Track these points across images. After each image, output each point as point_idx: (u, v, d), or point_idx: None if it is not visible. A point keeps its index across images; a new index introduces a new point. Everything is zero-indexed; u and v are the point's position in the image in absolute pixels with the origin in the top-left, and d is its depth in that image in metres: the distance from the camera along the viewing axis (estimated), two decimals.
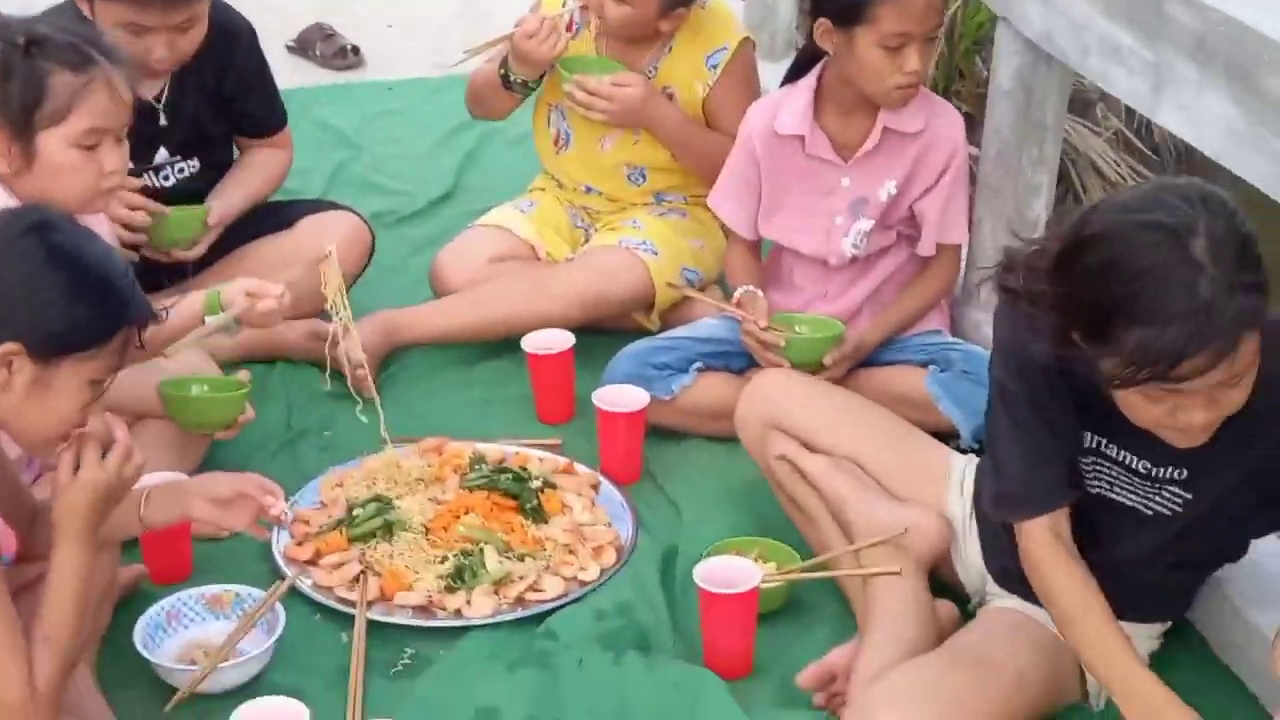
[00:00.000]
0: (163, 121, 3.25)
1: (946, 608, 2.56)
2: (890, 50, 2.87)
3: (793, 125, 3.05)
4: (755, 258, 3.22)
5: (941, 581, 2.59)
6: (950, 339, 3.15)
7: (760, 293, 3.10)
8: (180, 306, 2.75)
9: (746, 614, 2.49)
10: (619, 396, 3.02)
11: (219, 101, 3.34)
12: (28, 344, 2.01)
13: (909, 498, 2.62)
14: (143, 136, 3.19)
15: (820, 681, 2.42)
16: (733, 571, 2.50)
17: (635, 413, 2.99)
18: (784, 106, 3.07)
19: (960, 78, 4.88)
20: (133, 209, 3.15)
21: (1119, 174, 4.80)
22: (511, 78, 3.47)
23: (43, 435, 2.11)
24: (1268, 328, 2.01)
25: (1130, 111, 4.84)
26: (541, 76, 3.49)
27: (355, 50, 5.23)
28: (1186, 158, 4.85)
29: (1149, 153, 5.08)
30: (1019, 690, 2.28)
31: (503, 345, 3.41)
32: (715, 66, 3.41)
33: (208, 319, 2.74)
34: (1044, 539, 2.26)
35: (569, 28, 3.47)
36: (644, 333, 3.39)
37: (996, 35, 3.16)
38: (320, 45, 5.15)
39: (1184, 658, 2.51)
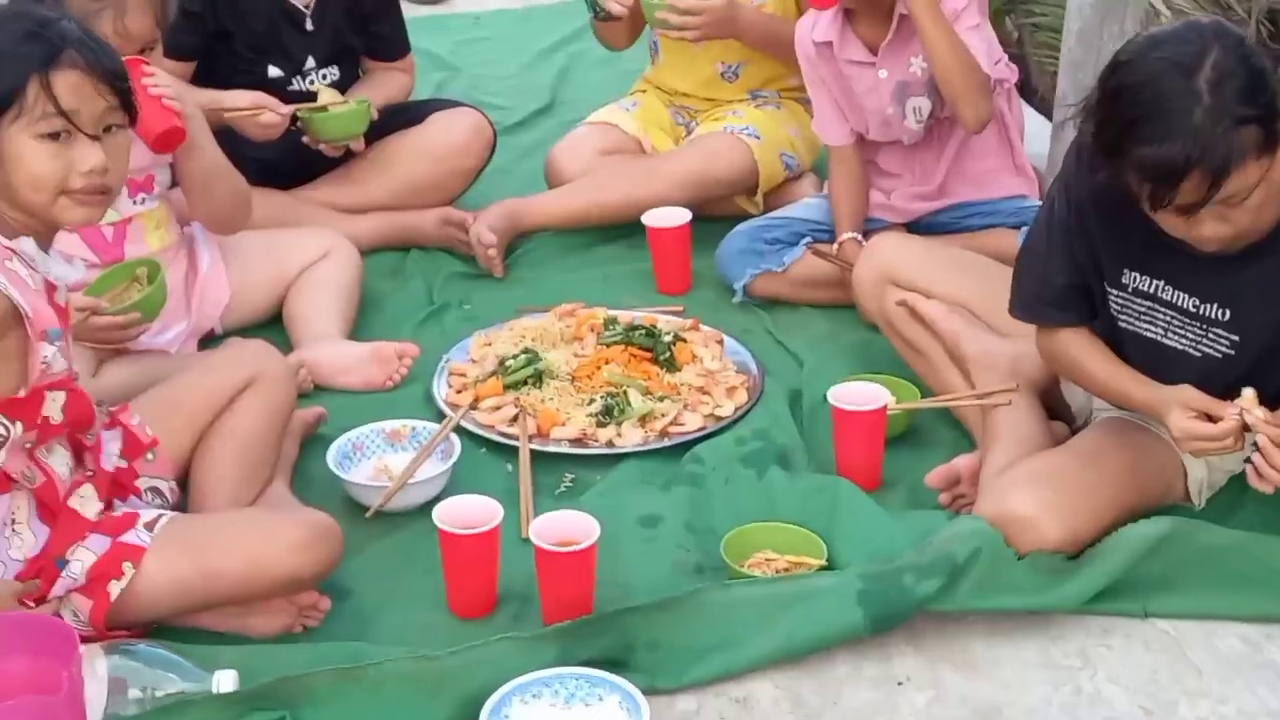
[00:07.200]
0: (309, 27, 3.50)
1: (1059, 426, 2.80)
2: None
3: (823, 32, 3.27)
4: (855, 173, 3.35)
5: (1050, 409, 2.83)
6: (1039, 202, 3.38)
7: (861, 239, 3.28)
8: None
9: (877, 430, 2.74)
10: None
11: (357, 19, 3.60)
12: None
13: (1016, 334, 2.87)
14: (294, 42, 3.48)
15: (946, 481, 2.68)
16: (863, 394, 2.76)
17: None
18: (821, 15, 3.27)
19: None
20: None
21: None
22: (598, 13, 3.70)
23: (39, 200, 2.18)
24: None
25: None
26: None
27: None
28: None
29: None
30: (1133, 480, 2.52)
31: (617, 229, 3.68)
32: None
33: None
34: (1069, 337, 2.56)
35: None
36: (748, 217, 3.64)
37: None
38: None
39: None
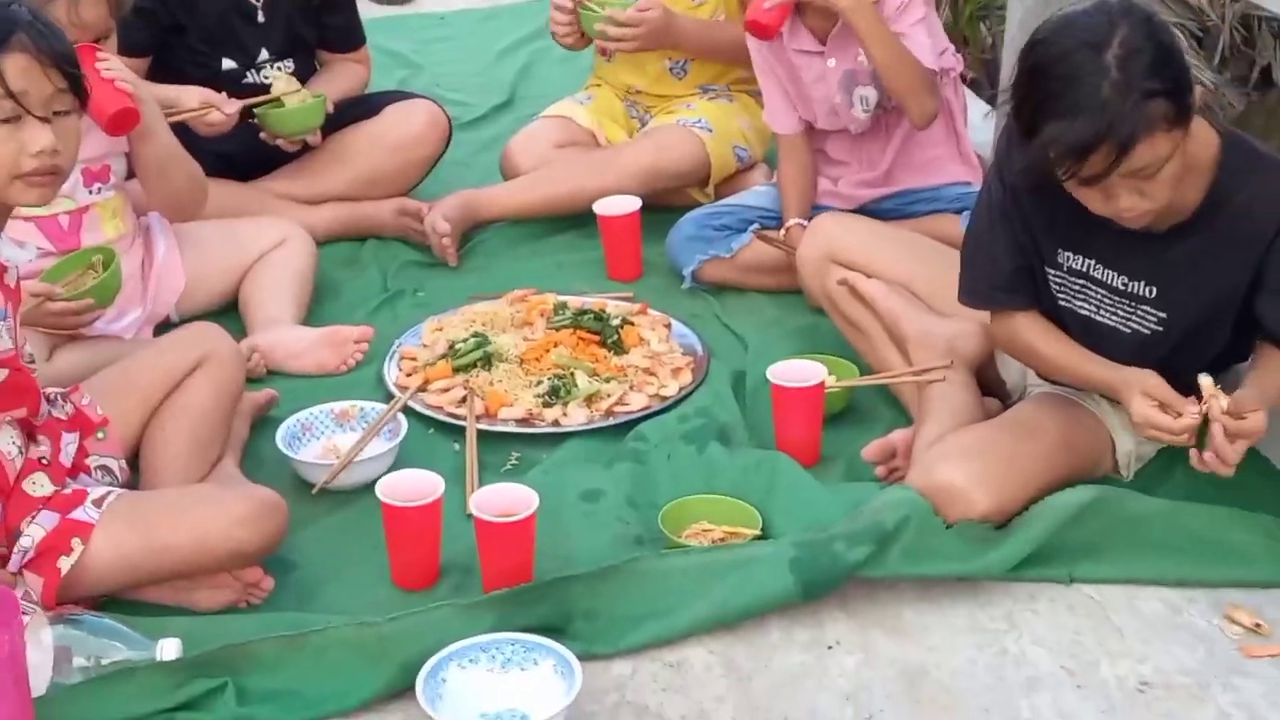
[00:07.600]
0: (261, 19, 3.56)
1: (993, 402, 2.86)
2: None
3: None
4: (803, 161, 3.41)
5: (985, 386, 2.90)
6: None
7: (806, 225, 3.29)
8: None
9: (815, 406, 2.80)
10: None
11: (309, 10, 3.66)
12: None
13: (955, 313, 2.93)
14: (247, 35, 3.53)
15: (882, 455, 2.74)
16: (802, 371, 2.82)
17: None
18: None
19: (965, 44, 5.14)
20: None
21: None
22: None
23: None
24: (1233, 144, 2.37)
25: None
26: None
27: None
28: None
29: None
30: (1063, 452, 2.59)
31: (570, 219, 3.74)
32: None
33: None
34: (1023, 322, 2.62)
35: None
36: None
37: None
38: None
39: None
